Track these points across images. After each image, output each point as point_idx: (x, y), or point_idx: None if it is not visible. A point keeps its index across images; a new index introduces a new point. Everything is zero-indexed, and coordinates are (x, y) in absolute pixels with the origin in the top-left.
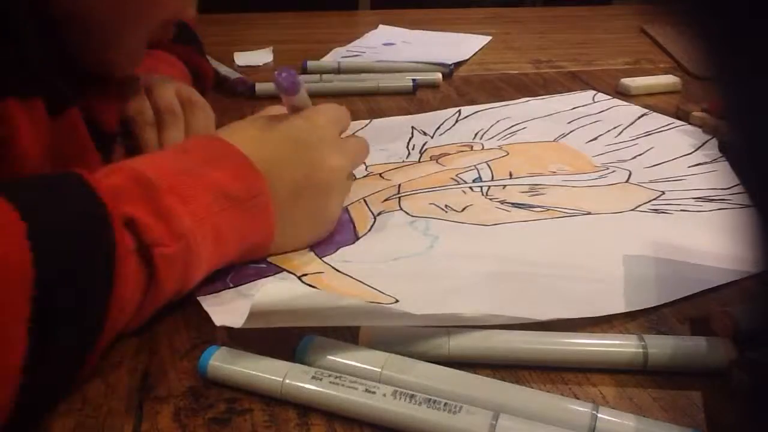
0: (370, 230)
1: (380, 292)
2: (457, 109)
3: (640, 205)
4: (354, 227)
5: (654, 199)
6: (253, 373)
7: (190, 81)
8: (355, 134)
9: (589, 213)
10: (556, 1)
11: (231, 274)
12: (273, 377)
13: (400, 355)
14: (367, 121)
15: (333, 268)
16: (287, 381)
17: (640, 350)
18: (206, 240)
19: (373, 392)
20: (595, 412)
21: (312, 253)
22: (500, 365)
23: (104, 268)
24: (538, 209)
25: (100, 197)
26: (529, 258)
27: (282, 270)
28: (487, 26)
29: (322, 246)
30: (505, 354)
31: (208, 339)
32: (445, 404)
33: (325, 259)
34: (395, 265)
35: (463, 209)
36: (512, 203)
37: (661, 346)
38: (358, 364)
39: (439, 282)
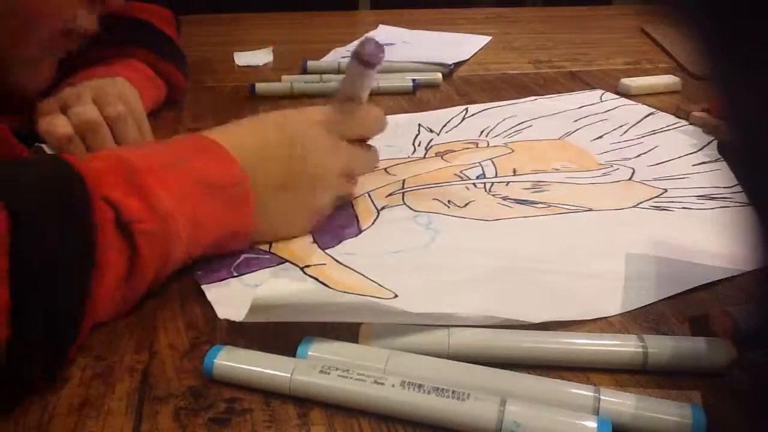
0: (373, 224)
1: (380, 285)
2: (465, 106)
3: (641, 202)
4: (357, 221)
5: (656, 197)
6: (260, 369)
7: (160, 84)
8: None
9: (591, 209)
10: (556, 1)
11: (236, 263)
12: (280, 373)
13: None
14: None
15: (335, 260)
16: (295, 376)
17: (640, 350)
18: (185, 222)
19: (382, 383)
20: (597, 394)
21: (315, 245)
22: (500, 364)
23: (84, 238)
24: (540, 205)
25: (81, 175)
26: (529, 253)
27: (285, 261)
28: (487, 26)
29: (325, 238)
30: (505, 353)
31: (207, 339)
32: (453, 392)
33: (327, 251)
34: (396, 258)
35: (466, 205)
36: (515, 199)
37: (661, 346)
38: (361, 362)
39: (439, 276)
